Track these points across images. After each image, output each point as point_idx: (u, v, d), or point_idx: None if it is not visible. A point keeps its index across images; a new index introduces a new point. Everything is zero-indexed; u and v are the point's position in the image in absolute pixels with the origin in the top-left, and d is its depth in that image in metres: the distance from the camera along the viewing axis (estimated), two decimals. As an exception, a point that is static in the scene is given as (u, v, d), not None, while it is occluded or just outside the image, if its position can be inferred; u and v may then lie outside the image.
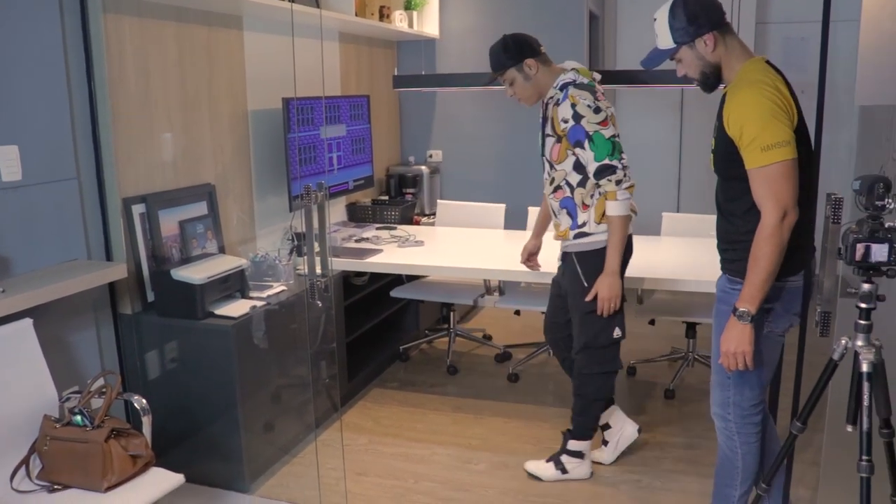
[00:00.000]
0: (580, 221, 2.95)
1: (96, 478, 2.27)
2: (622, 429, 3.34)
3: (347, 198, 4.83)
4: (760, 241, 2.13)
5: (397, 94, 5.58)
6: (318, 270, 2.90)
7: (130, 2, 2.99)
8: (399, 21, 4.92)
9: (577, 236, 2.97)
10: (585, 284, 2.96)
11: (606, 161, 2.81)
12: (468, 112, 5.54)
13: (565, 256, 3.07)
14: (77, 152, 2.86)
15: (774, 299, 2.26)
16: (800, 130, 2.19)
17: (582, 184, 2.92)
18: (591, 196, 2.92)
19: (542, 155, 3.02)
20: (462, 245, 4.12)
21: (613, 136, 2.84)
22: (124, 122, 2.99)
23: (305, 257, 2.89)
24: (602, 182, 2.83)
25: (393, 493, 3.13)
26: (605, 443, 3.35)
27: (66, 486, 2.31)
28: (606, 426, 3.34)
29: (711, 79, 2.31)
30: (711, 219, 4.16)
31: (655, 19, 2.32)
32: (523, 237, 4.02)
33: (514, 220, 4.62)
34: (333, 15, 4.05)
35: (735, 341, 2.20)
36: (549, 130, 2.94)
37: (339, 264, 3.69)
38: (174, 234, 3.22)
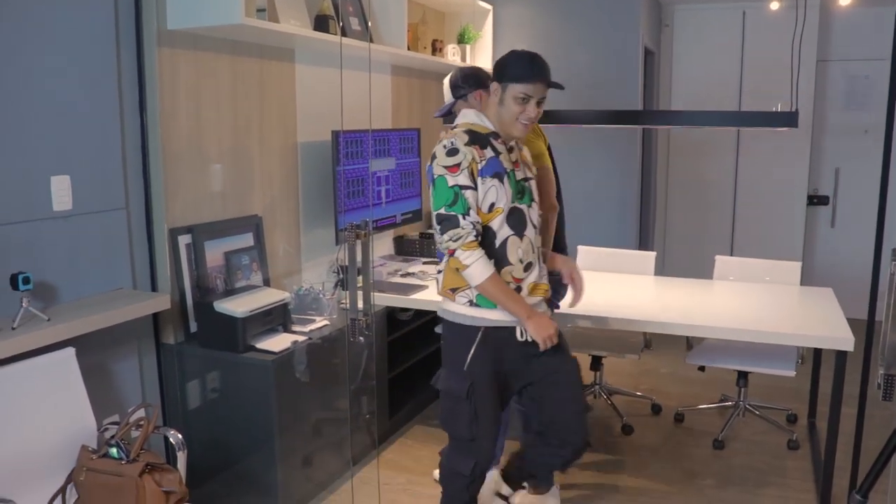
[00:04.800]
0: None
1: (129, 513, 2.25)
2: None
3: (395, 231, 4.81)
4: None
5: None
6: (360, 306, 2.87)
7: (185, 36, 3.02)
8: (452, 55, 4.92)
9: None
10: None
11: None
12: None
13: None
14: (127, 182, 2.89)
15: None
16: None
17: None
18: None
19: (527, 202, 2.63)
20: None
21: None
22: (174, 153, 3.02)
23: (348, 291, 2.87)
24: None
25: (429, 537, 3.06)
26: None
27: (99, 520, 2.29)
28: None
29: None
30: (766, 263, 4.04)
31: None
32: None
33: (563, 258, 4.54)
34: (386, 49, 4.06)
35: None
36: (528, 174, 2.71)
37: (384, 300, 3.66)
38: (219, 265, 3.23)
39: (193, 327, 3.12)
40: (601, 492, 3.39)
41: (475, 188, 2.50)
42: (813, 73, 5.75)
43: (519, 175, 2.60)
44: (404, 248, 4.81)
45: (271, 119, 3.58)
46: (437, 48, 4.85)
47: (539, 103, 2.51)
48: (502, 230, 2.52)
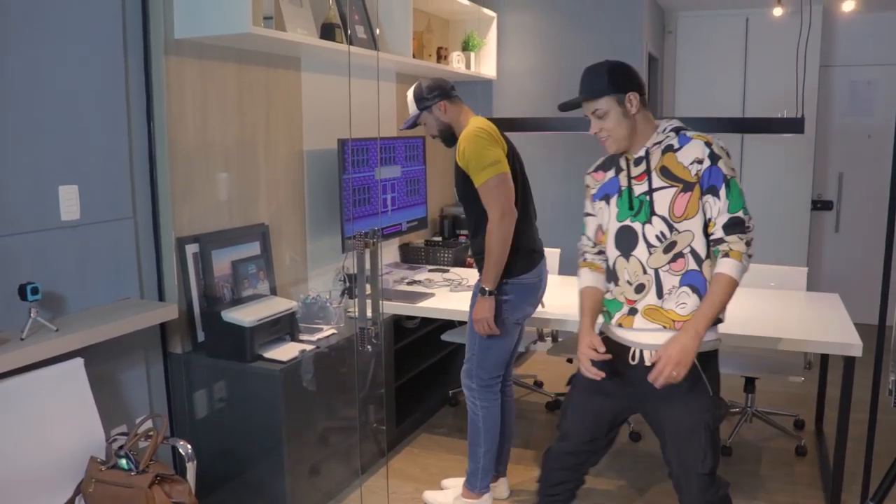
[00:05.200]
0: None
1: (139, 524, 2.24)
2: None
3: (400, 239, 4.81)
4: (489, 235, 2.86)
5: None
6: (369, 315, 2.86)
7: (192, 45, 3.02)
8: (456, 62, 4.92)
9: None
10: (712, 393, 2.36)
11: (741, 214, 2.28)
12: (523, 154, 5.49)
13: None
14: (134, 191, 2.89)
15: (512, 293, 3.02)
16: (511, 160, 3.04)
17: (709, 253, 2.33)
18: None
19: (643, 219, 2.33)
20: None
21: None
22: (181, 162, 3.02)
23: (356, 300, 2.86)
24: (731, 239, 2.27)
25: (438, 546, 3.04)
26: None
27: (108, 531, 2.28)
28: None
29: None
30: (772, 269, 4.04)
31: None
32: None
33: (569, 266, 4.53)
34: (391, 57, 4.06)
35: (479, 311, 2.97)
36: (659, 182, 2.31)
37: (391, 307, 3.65)
38: (226, 273, 3.22)
39: (201, 337, 3.12)
40: (609, 499, 3.37)
41: (592, 213, 2.54)
42: (816, 79, 5.74)
43: (639, 189, 2.35)
44: (410, 256, 4.81)
45: (277, 127, 3.58)
46: (441, 56, 4.85)
47: (597, 116, 2.33)
48: (611, 251, 2.43)
